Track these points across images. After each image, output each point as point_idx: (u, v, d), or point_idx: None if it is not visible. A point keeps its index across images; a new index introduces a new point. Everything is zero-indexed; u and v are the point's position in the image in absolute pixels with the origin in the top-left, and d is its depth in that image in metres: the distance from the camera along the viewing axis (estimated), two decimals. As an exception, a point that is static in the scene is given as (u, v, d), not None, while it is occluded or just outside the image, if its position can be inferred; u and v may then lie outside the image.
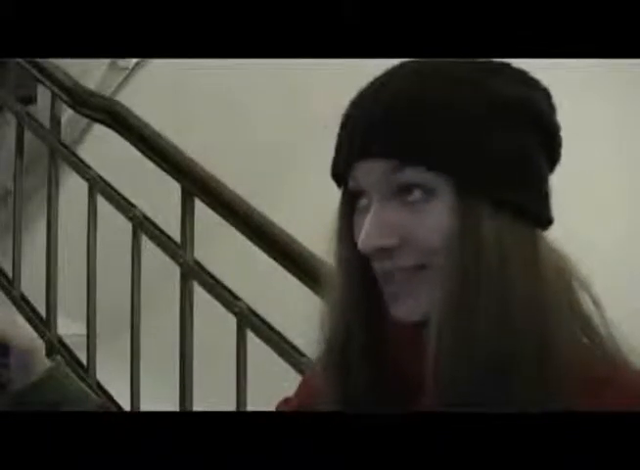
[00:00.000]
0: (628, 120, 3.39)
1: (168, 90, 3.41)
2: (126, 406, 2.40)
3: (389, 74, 0.85)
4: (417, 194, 0.80)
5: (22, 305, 2.82)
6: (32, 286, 2.81)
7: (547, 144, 0.84)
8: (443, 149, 0.79)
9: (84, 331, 2.61)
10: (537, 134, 0.83)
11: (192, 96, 3.41)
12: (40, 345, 1.12)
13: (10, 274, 2.91)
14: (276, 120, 3.30)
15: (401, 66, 0.85)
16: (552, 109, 0.86)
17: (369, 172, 0.82)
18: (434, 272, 0.80)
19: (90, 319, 2.58)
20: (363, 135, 0.82)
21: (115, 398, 2.47)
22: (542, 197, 0.83)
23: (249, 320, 2.12)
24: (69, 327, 2.78)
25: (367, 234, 0.81)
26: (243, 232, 2.19)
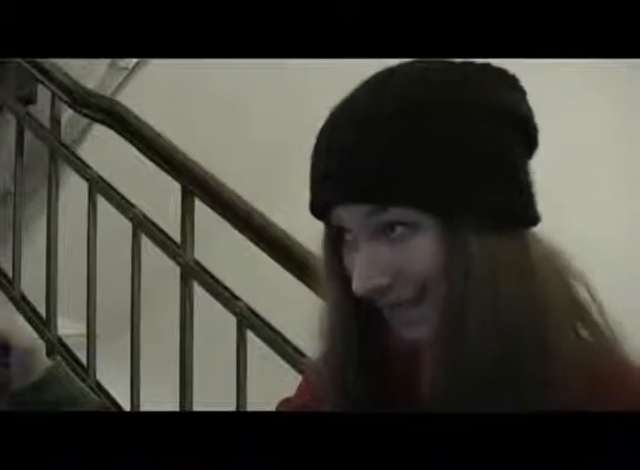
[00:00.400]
0: (628, 120, 3.39)
1: (168, 90, 3.41)
2: (126, 406, 2.40)
3: (355, 109, 0.81)
4: (402, 230, 0.80)
5: (23, 305, 2.82)
6: (32, 286, 2.81)
7: (528, 144, 0.83)
8: (422, 184, 0.77)
9: (84, 331, 2.60)
10: (518, 135, 0.81)
11: (192, 96, 3.41)
12: (40, 345, 1.12)
13: (10, 274, 2.91)
14: (276, 120, 3.30)
15: (365, 93, 0.82)
16: (530, 108, 0.84)
17: (351, 214, 0.81)
18: (430, 302, 0.80)
19: (90, 319, 2.58)
20: (338, 183, 0.80)
21: (116, 398, 2.47)
22: (527, 196, 0.82)
23: (249, 320, 2.12)
24: (69, 327, 2.78)
25: (359, 277, 0.81)
26: (243, 232, 2.19)
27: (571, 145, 2.82)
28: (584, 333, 0.82)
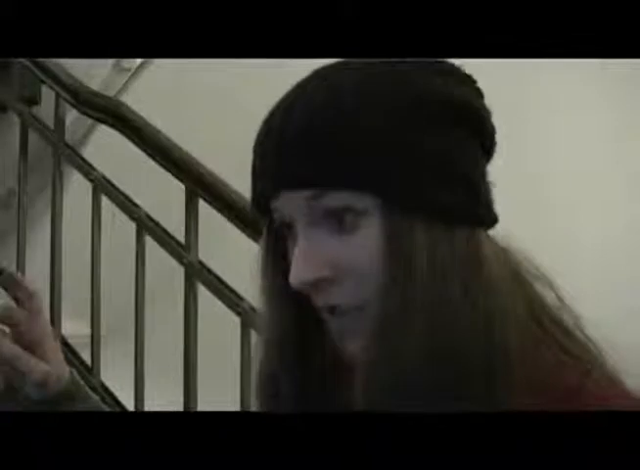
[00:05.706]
0: (628, 121, 3.39)
1: (172, 91, 3.41)
2: (130, 407, 2.41)
3: (298, 94, 0.80)
4: (347, 217, 0.75)
5: (27, 305, 2.82)
6: (36, 286, 2.81)
7: (480, 140, 0.79)
8: (365, 166, 0.74)
9: (88, 332, 2.61)
10: (467, 131, 0.78)
11: (196, 96, 3.41)
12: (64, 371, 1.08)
13: (14, 275, 2.91)
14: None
15: (310, 79, 0.81)
16: (483, 104, 0.81)
17: (290, 202, 0.77)
18: (373, 309, 0.76)
19: (94, 320, 2.59)
20: (276, 167, 0.78)
21: (120, 398, 2.48)
22: (480, 195, 0.78)
23: (252, 321, 2.12)
24: (74, 328, 2.78)
25: (296, 268, 0.76)
26: (247, 232, 2.19)
27: (571, 145, 2.82)
28: (556, 344, 0.77)
